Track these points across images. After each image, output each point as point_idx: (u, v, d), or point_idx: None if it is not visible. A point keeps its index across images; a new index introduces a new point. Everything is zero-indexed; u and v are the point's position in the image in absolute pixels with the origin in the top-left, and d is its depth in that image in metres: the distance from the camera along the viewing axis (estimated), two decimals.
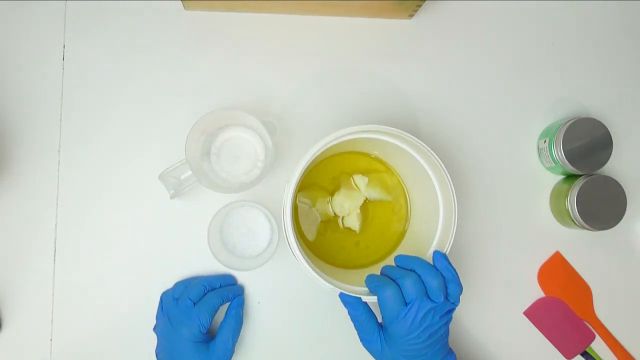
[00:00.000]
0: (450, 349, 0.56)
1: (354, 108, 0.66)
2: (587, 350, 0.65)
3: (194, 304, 0.58)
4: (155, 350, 0.60)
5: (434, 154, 0.55)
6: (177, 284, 0.62)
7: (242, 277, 0.63)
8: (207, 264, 0.63)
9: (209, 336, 0.60)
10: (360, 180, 0.63)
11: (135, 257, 0.63)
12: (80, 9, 0.65)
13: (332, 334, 0.64)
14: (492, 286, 0.66)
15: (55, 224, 0.63)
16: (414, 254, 0.55)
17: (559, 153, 0.63)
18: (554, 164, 0.65)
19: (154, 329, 0.61)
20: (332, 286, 0.54)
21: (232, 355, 0.59)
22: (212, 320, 0.58)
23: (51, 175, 0.63)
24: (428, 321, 0.51)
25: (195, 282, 0.60)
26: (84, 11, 0.65)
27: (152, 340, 0.60)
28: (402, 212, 0.64)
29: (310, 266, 0.54)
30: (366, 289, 0.55)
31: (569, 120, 0.63)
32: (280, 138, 0.64)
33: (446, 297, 0.52)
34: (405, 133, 0.55)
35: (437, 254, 0.55)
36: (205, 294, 0.60)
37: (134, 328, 0.62)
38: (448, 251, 0.55)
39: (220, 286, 0.61)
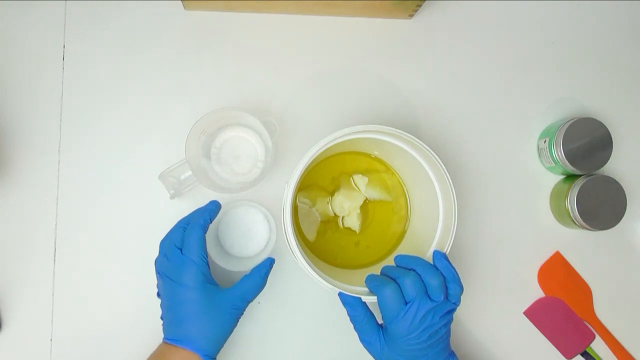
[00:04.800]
0: (452, 351, 0.56)
1: (354, 108, 0.66)
2: (587, 350, 0.65)
3: (181, 250, 0.54)
4: (161, 317, 0.56)
5: (434, 154, 0.55)
6: (161, 243, 0.57)
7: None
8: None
9: (218, 285, 0.55)
10: (360, 181, 0.63)
11: (135, 257, 0.63)
12: (80, 9, 0.65)
13: (332, 334, 0.64)
14: (492, 286, 0.66)
15: (55, 224, 0.63)
16: (414, 254, 0.55)
17: (559, 153, 0.63)
18: (554, 164, 0.65)
19: (157, 295, 0.57)
20: (332, 286, 0.54)
21: (244, 308, 0.56)
22: (205, 254, 0.54)
23: (51, 175, 0.63)
24: (428, 321, 0.51)
25: (172, 230, 0.56)
26: (84, 11, 0.65)
27: (153, 340, 0.60)
28: (402, 212, 0.64)
29: (310, 266, 0.54)
30: (366, 289, 0.55)
31: (569, 120, 0.63)
32: (280, 138, 0.64)
33: (446, 297, 0.52)
34: (405, 133, 0.55)
35: (437, 254, 0.55)
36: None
37: (134, 328, 0.62)
38: (448, 251, 0.55)
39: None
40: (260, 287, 0.57)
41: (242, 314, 0.56)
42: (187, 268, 0.53)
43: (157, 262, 0.56)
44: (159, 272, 0.56)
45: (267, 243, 0.63)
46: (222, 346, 0.55)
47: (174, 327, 0.54)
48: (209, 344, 0.53)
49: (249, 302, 0.56)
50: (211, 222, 0.57)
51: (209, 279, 0.54)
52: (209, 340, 0.53)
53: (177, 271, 0.54)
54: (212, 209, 0.57)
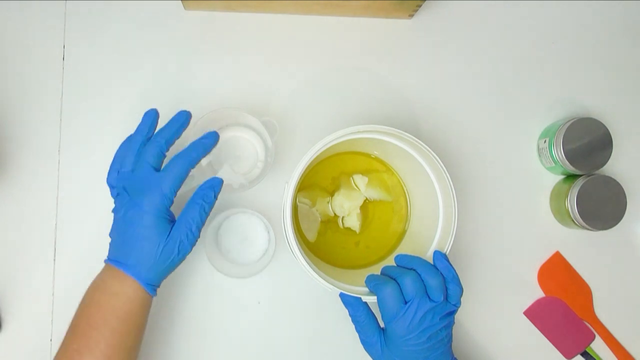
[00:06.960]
0: (454, 357, 0.55)
1: (353, 108, 0.66)
2: (587, 350, 0.65)
3: (156, 170, 0.50)
4: (109, 234, 0.53)
5: (434, 154, 0.55)
6: (126, 151, 0.52)
7: (243, 278, 0.63)
8: (206, 265, 0.63)
9: (173, 218, 0.52)
10: (360, 180, 0.63)
11: None
12: (80, 9, 0.65)
13: (332, 335, 0.64)
14: (492, 286, 0.66)
15: (55, 224, 0.63)
16: (414, 254, 0.55)
17: (559, 153, 0.63)
18: (554, 164, 0.65)
19: (112, 210, 0.53)
20: (332, 286, 0.54)
21: (196, 241, 0.52)
22: (177, 190, 0.50)
23: (51, 175, 0.63)
24: (427, 321, 0.51)
25: (153, 142, 0.51)
26: (84, 11, 0.65)
27: (152, 340, 0.60)
28: (402, 212, 0.64)
29: (311, 266, 0.54)
30: (366, 289, 0.55)
31: (569, 120, 0.63)
32: (280, 138, 0.64)
33: (446, 297, 0.52)
34: (405, 133, 0.55)
35: (437, 254, 0.55)
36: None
37: None
38: (448, 251, 0.55)
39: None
40: (206, 214, 0.52)
41: (191, 249, 0.52)
42: (153, 193, 0.49)
43: (120, 174, 0.51)
44: (119, 186, 0.51)
45: (263, 254, 0.62)
46: (164, 278, 0.53)
47: (119, 249, 0.51)
48: (151, 272, 0.51)
49: (196, 233, 0.52)
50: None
51: (168, 212, 0.51)
52: (151, 269, 0.50)
53: (140, 191, 0.50)
54: (210, 143, 0.51)
